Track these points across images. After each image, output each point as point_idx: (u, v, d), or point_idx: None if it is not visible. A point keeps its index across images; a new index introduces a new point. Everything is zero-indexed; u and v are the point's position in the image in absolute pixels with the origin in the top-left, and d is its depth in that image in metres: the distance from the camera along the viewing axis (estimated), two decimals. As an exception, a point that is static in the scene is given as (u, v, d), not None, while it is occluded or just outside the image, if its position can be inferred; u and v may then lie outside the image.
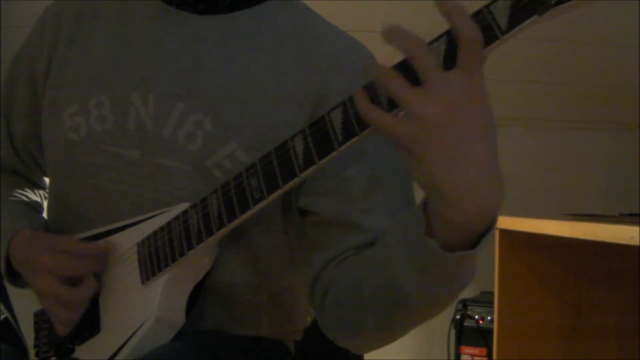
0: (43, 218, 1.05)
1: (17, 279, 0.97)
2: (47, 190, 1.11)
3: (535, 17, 0.63)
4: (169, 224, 0.86)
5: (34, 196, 1.08)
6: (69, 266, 0.89)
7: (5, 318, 1.03)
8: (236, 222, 0.80)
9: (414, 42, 0.64)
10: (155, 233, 0.87)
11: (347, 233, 0.87)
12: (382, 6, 2.24)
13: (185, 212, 0.85)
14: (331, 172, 0.86)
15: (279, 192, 0.77)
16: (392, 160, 0.87)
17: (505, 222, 1.88)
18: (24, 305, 1.00)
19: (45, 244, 0.91)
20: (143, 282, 0.87)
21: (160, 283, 0.85)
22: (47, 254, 0.90)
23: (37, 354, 0.97)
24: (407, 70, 0.65)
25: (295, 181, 0.76)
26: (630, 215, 1.88)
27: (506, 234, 1.93)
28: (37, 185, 1.11)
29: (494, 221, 0.69)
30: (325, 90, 0.89)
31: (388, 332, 0.84)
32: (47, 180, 1.13)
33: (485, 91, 0.65)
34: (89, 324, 0.92)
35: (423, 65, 0.64)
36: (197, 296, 0.89)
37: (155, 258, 0.86)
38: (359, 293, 0.81)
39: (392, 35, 0.65)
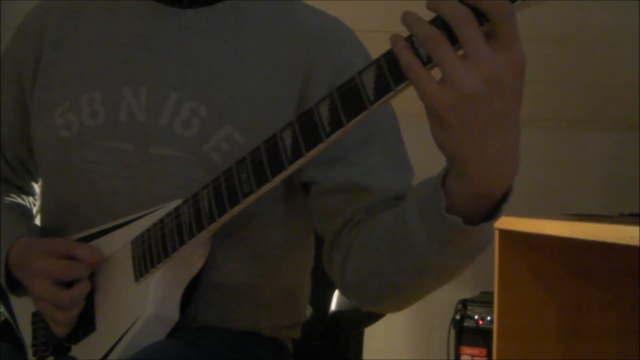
0: (37, 225, 1.05)
1: (16, 287, 0.97)
2: (36, 197, 1.11)
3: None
4: (161, 220, 0.86)
5: (22, 203, 1.08)
6: (63, 271, 0.89)
7: (5, 318, 1.03)
8: (226, 216, 0.81)
9: (461, 10, 0.62)
10: (148, 230, 0.87)
11: (354, 196, 0.88)
12: (382, 6, 2.23)
13: (177, 208, 0.85)
14: None
15: (268, 186, 0.78)
16: (383, 122, 0.92)
17: (505, 222, 1.87)
18: (23, 306, 1.00)
19: (42, 249, 0.91)
20: (137, 279, 0.87)
21: (153, 279, 0.86)
22: (43, 258, 0.90)
23: (35, 353, 0.97)
24: (443, 30, 0.63)
25: (283, 174, 0.77)
26: (630, 215, 1.87)
27: (506, 234, 1.93)
28: (26, 192, 1.11)
29: (510, 187, 0.68)
30: (312, 65, 0.92)
31: (407, 297, 0.84)
32: (36, 186, 1.12)
33: (524, 65, 0.63)
34: (84, 323, 0.92)
35: (469, 36, 0.61)
36: (194, 292, 0.89)
37: (148, 255, 0.86)
38: (377, 262, 0.81)
39: (437, 4, 0.62)
